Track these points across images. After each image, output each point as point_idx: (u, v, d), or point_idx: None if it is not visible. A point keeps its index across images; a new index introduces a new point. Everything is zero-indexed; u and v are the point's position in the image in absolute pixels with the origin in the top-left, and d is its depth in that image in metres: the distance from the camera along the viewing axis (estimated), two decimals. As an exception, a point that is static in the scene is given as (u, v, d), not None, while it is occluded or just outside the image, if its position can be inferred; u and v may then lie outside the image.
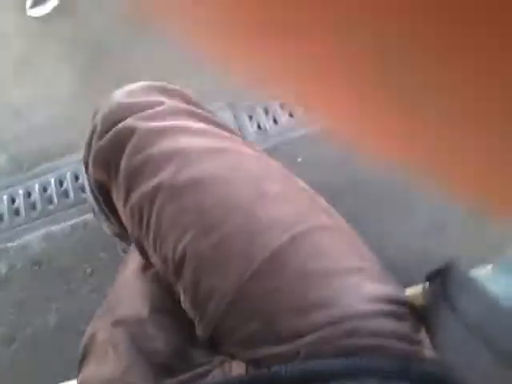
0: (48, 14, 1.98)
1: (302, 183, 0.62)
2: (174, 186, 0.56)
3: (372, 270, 0.54)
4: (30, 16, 1.99)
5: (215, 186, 0.54)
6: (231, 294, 0.50)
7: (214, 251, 0.52)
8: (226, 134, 0.63)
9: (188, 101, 0.67)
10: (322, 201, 0.60)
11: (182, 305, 0.57)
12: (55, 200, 1.54)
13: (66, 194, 1.55)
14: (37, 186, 1.57)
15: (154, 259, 0.60)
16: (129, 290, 0.65)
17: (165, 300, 0.62)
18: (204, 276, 0.53)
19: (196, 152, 0.57)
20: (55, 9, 1.99)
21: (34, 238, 1.48)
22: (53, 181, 1.57)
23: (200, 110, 0.65)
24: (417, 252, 1.21)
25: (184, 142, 0.58)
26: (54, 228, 1.49)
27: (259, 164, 0.60)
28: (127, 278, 0.68)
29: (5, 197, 1.57)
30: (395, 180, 1.16)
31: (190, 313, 0.56)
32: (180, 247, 0.53)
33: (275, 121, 1.54)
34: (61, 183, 1.57)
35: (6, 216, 1.53)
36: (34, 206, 1.54)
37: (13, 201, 1.56)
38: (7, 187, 1.59)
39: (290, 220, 0.52)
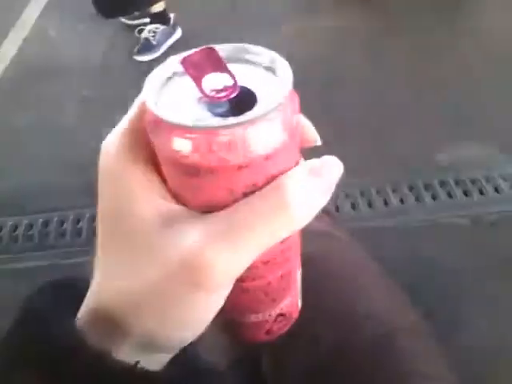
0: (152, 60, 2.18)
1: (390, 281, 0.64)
2: None
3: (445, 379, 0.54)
4: (135, 59, 2.19)
5: (321, 266, 0.57)
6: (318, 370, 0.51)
7: (313, 328, 0.52)
8: (329, 218, 0.67)
9: None
10: (406, 299, 0.62)
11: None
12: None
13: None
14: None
15: None
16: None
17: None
18: (294, 349, 0.53)
19: (308, 231, 0.60)
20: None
21: (85, 261, 1.47)
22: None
23: None
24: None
25: None
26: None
27: (358, 253, 0.63)
28: None
29: (71, 217, 1.59)
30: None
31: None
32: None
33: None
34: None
35: (68, 234, 1.53)
36: (95, 232, 1.54)
37: (78, 222, 1.57)
38: (75, 208, 1.61)
39: (384, 315, 0.54)
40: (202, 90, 0.21)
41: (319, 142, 0.27)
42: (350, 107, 1.91)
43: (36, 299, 0.27)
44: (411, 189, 1.61)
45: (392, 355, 0.50)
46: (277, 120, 0.21)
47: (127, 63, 2.20)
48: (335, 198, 1.60)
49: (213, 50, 0.22)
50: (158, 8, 2.16)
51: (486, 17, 2.34)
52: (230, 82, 0.21)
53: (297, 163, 0.24)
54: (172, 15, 2.33)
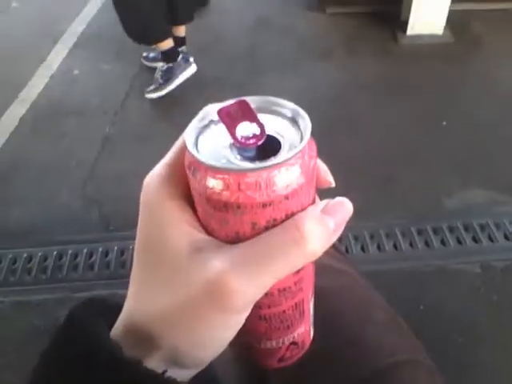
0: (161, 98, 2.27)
1: (398, 316, 0.66)
2: None
3: None
4: (146, 97, 2.28)
5: (329, 301, 0.59)
6: None
7: (316, 358, 0.54)
8: (340, 256, 0.70)
9: None
10: (412, 334, 0.63)
11: None
12: (128, 266, 1.58)
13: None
14: (115, 248, 1.62)
15: None
16: None
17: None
18: (306, 377, 0.54)
19: (320, 266, 0.63)
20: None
21: (98, 295, 1.49)
22: (131, 248, 1.62)
23: None
24: None
25: None
26: (120, 292, 1.50)
27: (367, 290, 0.65)
28: None
29: (85, 250, 1.62)
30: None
31: None
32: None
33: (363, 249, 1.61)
34: (137, 252, 1.62)
35: (80, 268, 1.56)
36: (108, 266, 1.57)
37: (91, 256, 1.60)
38: (89, 242, 1.65)
39: (393, 347, 0.55)
40: (234, 137, 0.24)
41: (333, 184, 0.31)
42: (359, 151, 1.95)
43: (77, 313, 0.29)
44: (420, 233, 1.63)
45: None
46: (296, 165, 0.24)
47: (147, 102, 2.29)
48: (345, 240, 1.62)
49: (245, 102, 0.26)
50: (164, 46, 2.23)
51: (494, 66, 2.40)
52: (258, 131, 0.25)
53: (313, 201, 0.27)
54: (183, 49, 2.42)
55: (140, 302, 0.28)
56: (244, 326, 0.27)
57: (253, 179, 0.23)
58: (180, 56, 2.30)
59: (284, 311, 0.30)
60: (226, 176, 0.23)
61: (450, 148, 1.95)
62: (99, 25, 2.92)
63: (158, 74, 2.30)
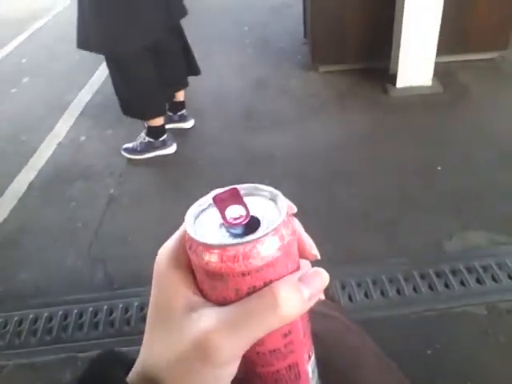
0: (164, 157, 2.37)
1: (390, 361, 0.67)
2: None
3: None
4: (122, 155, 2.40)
5: (320, 346, 0.60)
6: None
7: None
8: (335, 305, 0.72)
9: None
10: (405, 379, 0.64)
11: None
12: (132, 323, 1.58)
13: (144, 319, 1.58)
14: (120, 306, 1.63)
15: None
16: None
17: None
18: None
19: (312, 312, 0.65)
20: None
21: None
22: (135, 305, 1.63)
23: None
24: None
25: None
26: (124, 349, 1.49)
27: (358, 335, 0.66)
28: None
29: (90, 309, 1.63)
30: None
31: None
32: None
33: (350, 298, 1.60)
34: (141, 309, 1.63)
35: (85, 327, 1.57)
36: (112, 324, 1.58)
37: (95, 314, 1.61)
38: (94, 301, 1.66)
39: None
40: (223, 218, 0.30)
41: (318, 257, 0.34)
42: (357, 199, 1.99)
43: (97, 361, 0.34)
44: (423, 277, 1.62)
45: None
46: (271, 241, 0.29)
47: (151, 163, 2.38)
48: (348, 287, 1.62)
49: (235, 189, 0.31)
50: (154, 123, 2.36)
51: (483, 113, 2.49)
52: (244, 212, 0.30)
53: (294, 270, 0.31)
54: (183, 112, 2.58)
55: (147, 355, 0.32)
56: (242, 382, 0.32)
57: (232, 253, 0.28)
58: (164, 136, 2.40)
59: (278, 371, 0.33)
60: (213, 250, 0.28)
61: (447, 191, 1.99)
62: (103, 94, 3.09)
63: (138, 141, 2.43)
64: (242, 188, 0.32)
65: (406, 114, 2.55)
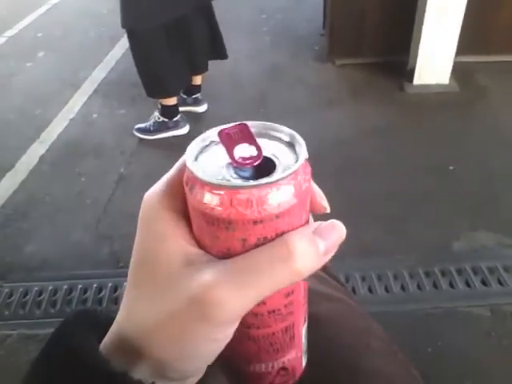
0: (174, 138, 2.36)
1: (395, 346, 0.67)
2: None
3: None
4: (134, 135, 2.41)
5: (327, 328, 0.60)
6: None
7: (318, 380, 0.55)
8: (341, 287, 0.72)
9: None
10: (411, 365, 0.64)
11: None
12: (136, 302, 1.59)
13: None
14: (125, 284, 1.64)
15: None
16: None
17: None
18: None
19: (317, 294, 0.65)
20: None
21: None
22: (140, 284, 1.64)
23: None
24: None
25: (309, 282, 0.67)
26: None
27: (365, 319, 0.65)
28: None
29: (94, 285, 1.64)
30: None
31: None
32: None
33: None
34: (146, 288, 1.64)
35: (89, 302, 1.58)
36: (116, 301, 1.59)
37: (100, 291, 1.62)
38: (99, 277, 1.67)
39: (389, 376, 0.55)
40: (231, 157, 0.26)
41: (328, 210, 0.31)
42: (367, 193, 1.99)
43: (67, 325, 0.30)
44: (428, 275, 1.62)
45: None
46: (288, 186, 0.25)
47: (162, 143, 2.37)
48: (353, 280, 1.62)
49: (245, 125, 0.27)
50: (167, 102, 2.35)
51: (499, 114, 2.47)
52: (255, 153, 0.26)
53: (306, 222, 0.28)
54: (198, 96, 2.58)
55: (131, 314, 0.28)
56: (233, 346, 0.28)
57: (244, 196, 0.24)
58: (178, 116, 2.41)
59: (273, 333, 0.30)
60: (219, 192, 0.24)
61: (458, 191, 1.98)
62: (117, 73, 3.08)
63: (151, 121, 2.42)
64: (253, 125, 0.28)
65: (420, 111, 2.53)
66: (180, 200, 0.28)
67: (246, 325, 0.28)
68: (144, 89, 2.32)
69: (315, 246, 0.26)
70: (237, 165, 0.26)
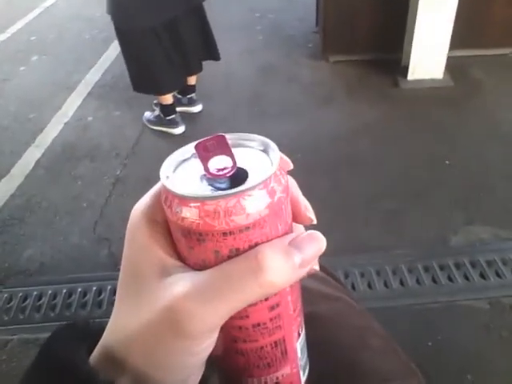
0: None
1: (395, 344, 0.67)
2: None
3: None
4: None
5: (325, 326, 0.60)
6: None
7: (316, 379, 0.55)
8: (340, 286, 0.72)
9: None
10: (410, 362, 0.64)
11: None
12: (136, 304, 1.59)
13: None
14: (124, 286, 1.64)
15: None
16: None
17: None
18: None
19: (315, 294, 0.65)
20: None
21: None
22: (139, 286, 1.64)
23: (320, 260, 0.74)
24: None
25: (306, 281, 0.67)
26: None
27: (364, 317, 0.66)
28: None
29: (94, 288, 1.64)
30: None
31: None
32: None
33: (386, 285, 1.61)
34: (145, 290, 1.64)
35: (89, 305, 1.58)
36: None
37: (99, 293, 1.62)
38: (98, 280, 1.67)
39: (388, 373, 0.55)
40: (205, 169, 0.25)
41: (315, 222, 0.30)
42: (363, 189, 1.99)
43: (57, 337, 0.30)
44: (427, 269, 1.63)
45: None
46: (258, 196, 0.24)
47: (157, 146, 2.37)
48: (352, 276, 1.62)
49: (222, 136, 0.26)
50: (163, 101, 2.39)
51: (494, 108, 2.47)
52: (230, 164, 0.25)
53: (284, 233, 0.27)
54: (193, 96, 2.59)
55: (114, 325, 0.28)
56: (224, 359, 0.28)
57: (211, 207, 0.24)
58: (173, 116, 2.44)
59: (262, 348, 0.29)
60: (188, 203, 0.24)
61: (454, 186, 1.98)
62: (112, 75, 3.08)
63: (154, 112, 2.52)
64: (230, 137, 0.28)
65: (415, 106, 2.53)
66: (163, 212, 0.28)
67: (232, 338, 0.28)
68: (131, 82, 2.35)
69: (289, 258, 0.25)
70: (210, 176, 0.25)
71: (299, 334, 0.32)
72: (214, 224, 0.24)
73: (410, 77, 2.72)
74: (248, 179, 0.25)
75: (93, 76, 3.12)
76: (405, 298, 1.55)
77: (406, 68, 2.71)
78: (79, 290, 1.64)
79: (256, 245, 0.25)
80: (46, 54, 3.55)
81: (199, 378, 0.29)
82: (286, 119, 2.49)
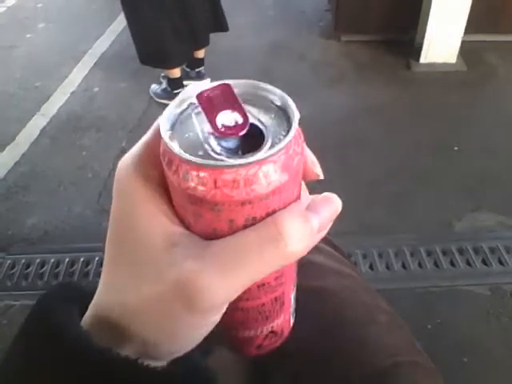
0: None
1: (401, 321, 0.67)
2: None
3: None
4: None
5: (335, 300, 0.60)
6: None
7: (317, 355, 0.55)
8: (348, 262, 0.72)
9: None
10: (414, 338, 0.64)
11: None
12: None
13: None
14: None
15: None
16: None
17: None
18: (306, 372, 0.55)
19: (326, 269, 0.65)
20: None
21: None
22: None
23: (328, 236, 0.74)
24: None
25: (316, 257, 0.66)
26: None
27: (371, 293, 0.66)
28: None
29: (96, 258, 1.65)
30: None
31: None
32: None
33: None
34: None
35: (91, 274, 1.59)
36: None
37: (101, 264, 1.62)
38: (101, 250, 1.67)
39: (394, 349, 0.56)
40: (213, 126, 0.22)
41: (322, 177, 0.29)
42: (370, 170, 1.98)
43: (48, 298, 0.28)
44: (429, 254, 1.63)
45: None
46: (278, 163, 0.22)
47: (163, 120, 2.35)
48: (354, 257, 1.62)
49: (228, 86, 0.23)
50: (171, 74, 2.36)
51: (507, 95, 2.43)
52: (241, 120, 0.22)
53: (298, 197, 0.25)
54: (201, 70, 2.56)
55: (110, 293, 0.26)
56: (223, 316, 0.27)
57: (230, 176, 0.21)
58: (180, 89, 2.39)
59: (263, 304, 0.28)
60: (201, 172, 0.22)
61: (461, 172, 1.97)
62: (119, 46, 3.03)
63: (161, 85, 2.48)
64: (237, 85, 0.24)
65: (426, 90, 2.50)
66: (159, 168, 0.25)
67: (236, 298, 0.27)
68: (137, 54, 2.31)
69: (308, 223, 0.24)
70: (220, 135, 0.22)
71: (295, 286, 0.32)
72: (232, 194, 0.22)
73: (422, 60, 2.67)
74: (265, 141, 0.23)
75: (99, 47, 3.08)
76: (406, 280, 1.55)
77: (419, 50, 2.66)
78: (82, 259, 1.65)
79: (273, 212, 0.23)
80: (53, 21, 3.49)
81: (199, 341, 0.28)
82: (294, 98, 2.43)
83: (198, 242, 0.24)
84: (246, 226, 0.23)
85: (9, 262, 1.65)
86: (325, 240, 0.72)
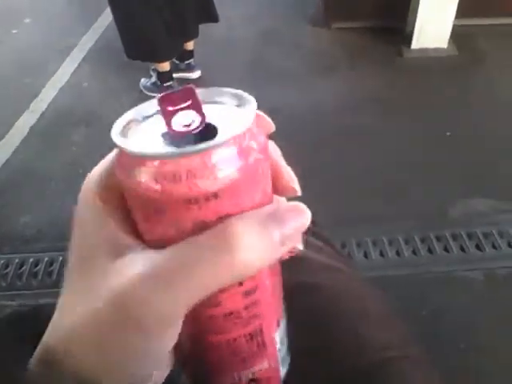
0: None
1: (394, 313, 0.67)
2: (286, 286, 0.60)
3: None
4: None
5: (325, 295, 0.60)
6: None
7: (316, 347, 0.55)
8: (339, 256, 0.72)
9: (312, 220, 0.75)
10: (408, 331, 0.64)
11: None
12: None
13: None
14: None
15: None
16: None
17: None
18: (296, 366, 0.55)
19: (316, 264, 0.64)
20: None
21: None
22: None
23: (320, 230, 0.73)
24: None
25: (306, 252, 0.66)
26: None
27: (363, 287, 0.66)
28: None
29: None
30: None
31: None
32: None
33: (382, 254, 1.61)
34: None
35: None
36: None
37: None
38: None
39: (385, 343, 0.56)
40: (167, 123, 0.21)
41: (299, 193, 0.26)
42: (362, 160, 1.97)
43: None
44: (423, 240, 1.63)
45: (392, 380, 0.52)
46: (227, 156, 0.20)
47: (154, 113, 2.33)
48: (348, 245, 1.63)
49: (191, 88, 0.22)
50: (161, 68, 2.34)
51: (499, 79, 2.43)
52: (198, 119, 0.21)
53: (260, 206, 0.22)
54: (191, 61, 2.53)
55: (56, 319, 0.23)
56: (192, 354, 0.25)
57: (170, 167, 0.20)
58: (170, 83, 2.40)
59: (235, 340, 0.25)
60: (143, 164, 0.20)
61: (454, 158, 1.96)
62: (107, 40, 2.99)
63: (151, 79, 2.46)
64: (202, 91, 0.23)
65: (418, 76, 2.48)
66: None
67: (202, 329, 0.24)
68: (124, 49, 2.28)
69: (267, 234, 0.21)
70: (172, 132, 0.21)
71: (279, 324, 0.27)
72: (173, 189, 0.20)
73: (413, 46, 2.66)
74: (218, 136, 0.21)
75: (87, 41, 3.04)
76: (400, 267, 1.56)
77: (410, 36, 2.64)
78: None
79: (227, 217, 0.21)
80: (39, 16, 3.44)
81: (166, 373, 0.25)
82: (285, 87, 2.44)
83: (146, 251, 0.22)
84: (194, 232, 0.21)
85: (2, 261, 1.64)
86: (315, 234, 0.72)
